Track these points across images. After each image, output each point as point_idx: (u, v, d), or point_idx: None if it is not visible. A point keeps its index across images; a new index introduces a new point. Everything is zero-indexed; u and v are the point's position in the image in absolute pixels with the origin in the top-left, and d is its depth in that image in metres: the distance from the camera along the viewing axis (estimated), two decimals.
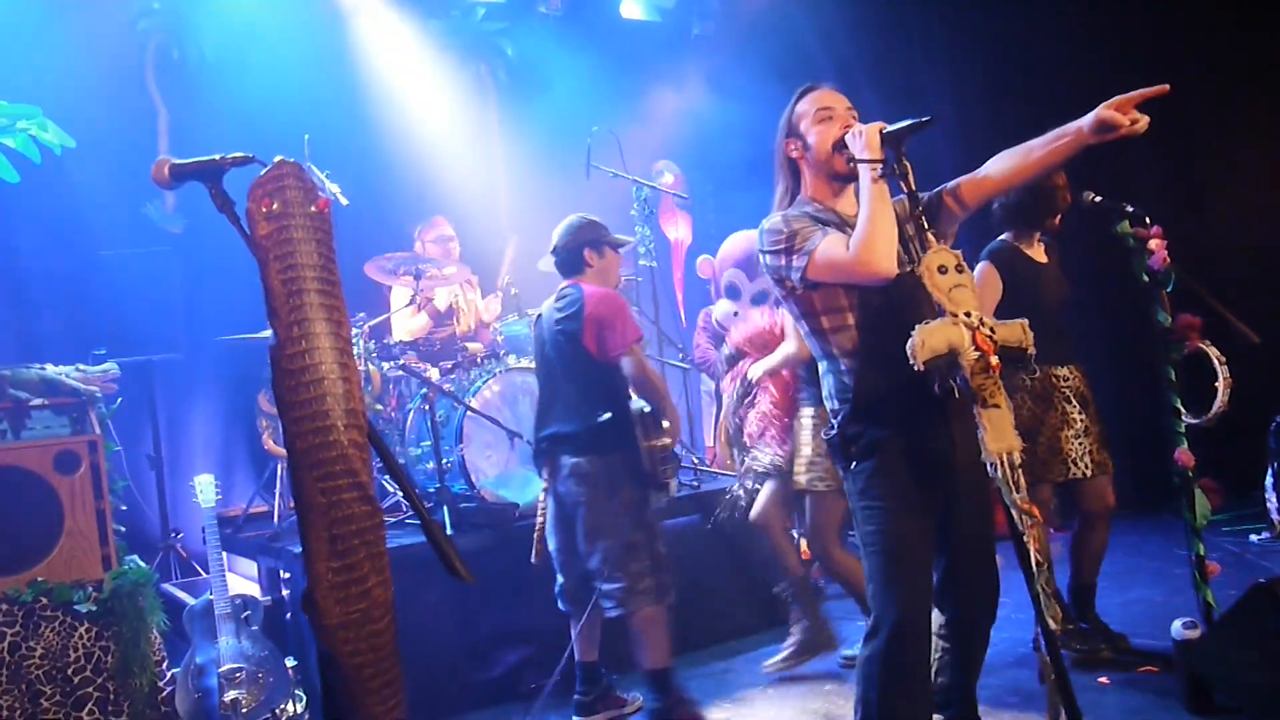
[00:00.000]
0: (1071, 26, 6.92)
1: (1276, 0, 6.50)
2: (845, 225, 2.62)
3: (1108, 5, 6.78)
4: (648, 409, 3.75)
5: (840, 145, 2.62)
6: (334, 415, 1.58)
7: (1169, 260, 3.64)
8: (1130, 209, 3.69)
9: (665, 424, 3.82)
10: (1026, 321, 2.42)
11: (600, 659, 4.02)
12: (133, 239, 5.34)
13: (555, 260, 4.01)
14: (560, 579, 3.95)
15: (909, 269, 2.63)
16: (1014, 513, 2.33)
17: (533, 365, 4.90)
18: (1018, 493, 2.32)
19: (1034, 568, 2.33)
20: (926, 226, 2.49)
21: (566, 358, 3.84)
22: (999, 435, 2.33)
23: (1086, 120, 2.45)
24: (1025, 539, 2.32)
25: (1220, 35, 6.69)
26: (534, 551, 3.97)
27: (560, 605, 3.95)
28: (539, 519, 3.95)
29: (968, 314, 2.35)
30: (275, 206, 1.62)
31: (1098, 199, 3.89)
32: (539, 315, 4.07)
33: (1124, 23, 6.83)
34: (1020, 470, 2.34)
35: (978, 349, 2.31)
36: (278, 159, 1.69)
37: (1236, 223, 6.83)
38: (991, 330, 2.35)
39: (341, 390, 1.60)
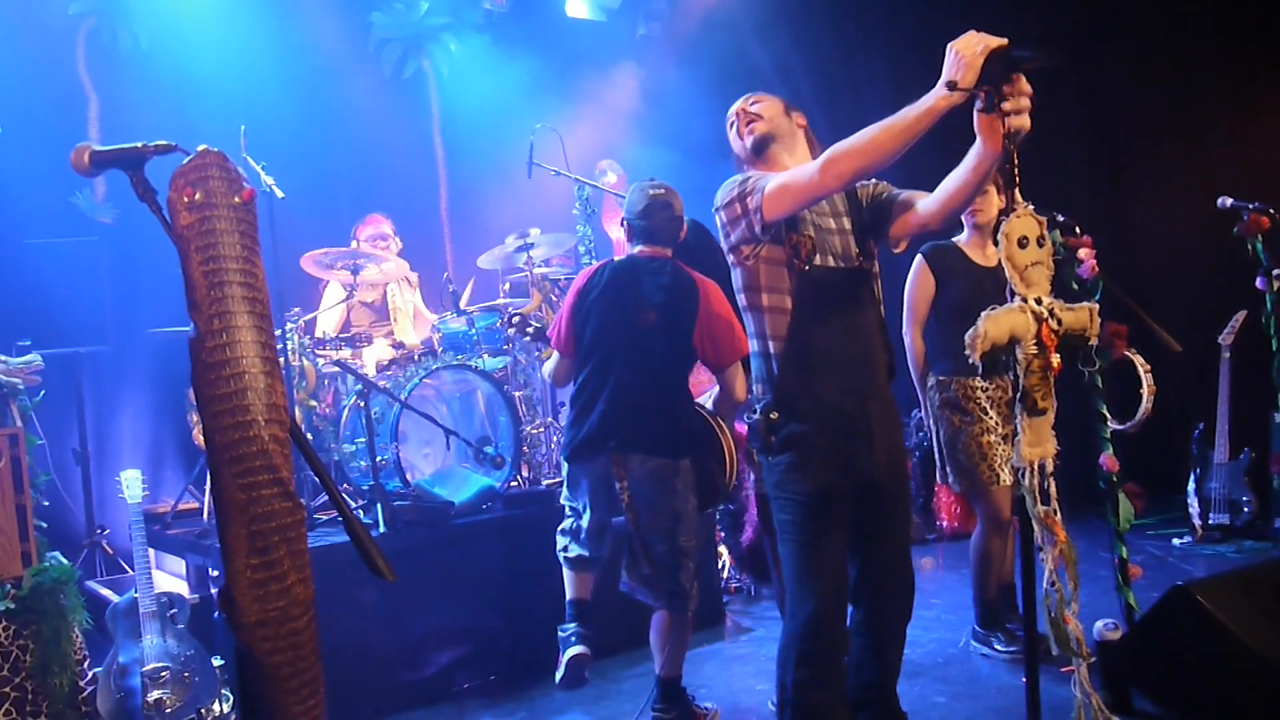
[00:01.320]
0: (1007, 29, 7.03)
1: (1202, 7, 6.66)
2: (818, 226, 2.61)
3: (1040, 8, 6.92)
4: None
5: (759, 147, 2.64)
6: (255, 410, 1.56)
7: (1098, 269, 3.71)
8: (1061, 218, 3.76)
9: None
10: (1095, 307, 2.20)
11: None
12: (61, 228, 5.21)
13: (643, 225, 3.60)
14: (624, 576, 3.63)
15: (857, 262, 2.63)
16: (1035, 526, 2.16)
17: (466, 363, 4.88)
18: (1044, 505, 2.13)
19: (1044, 585, 2.18)
20: (1006, 186, 2.15)
21: (656, 345, 3.50)
22: (1036, 440, 2.13)
23: (979, 136, 2.24)
24: (1042, 557, 2.15)
25: (1147, 42, 6.87)
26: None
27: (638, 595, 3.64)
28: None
29: (1038, 300, 2.11)
30: (198, 196, 1.59)
31: (1029, 208, 3.96)
32: (588, 285, 3.63)
33: (1054, 27, 6.98)
34: (1051, 479, 2.16)
35: (1039, 343, 2.08)
36: (201, 148, 1.66)
37: (1162, 232, 7.02)
38: (1059, 320, 2.11)
39: (263, 385, 1.57)
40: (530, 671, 4.13)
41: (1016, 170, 2.12)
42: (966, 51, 2.10)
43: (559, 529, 3.79)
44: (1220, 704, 2.87)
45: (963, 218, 4.16)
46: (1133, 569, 3.75)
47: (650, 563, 3.52)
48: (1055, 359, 2.10)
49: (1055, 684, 3.82)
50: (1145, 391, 4.00)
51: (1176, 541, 5.86)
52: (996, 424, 4.06)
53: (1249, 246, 4.22)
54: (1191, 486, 5.86)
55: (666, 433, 3.51)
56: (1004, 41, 2.09)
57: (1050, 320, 2.09)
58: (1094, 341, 2.18)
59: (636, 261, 3.62)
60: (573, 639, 3.63)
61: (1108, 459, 3.70)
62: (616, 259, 3.75)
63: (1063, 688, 3.77)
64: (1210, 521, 5.77)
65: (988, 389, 4.08)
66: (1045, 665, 3.88)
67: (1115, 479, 3.69)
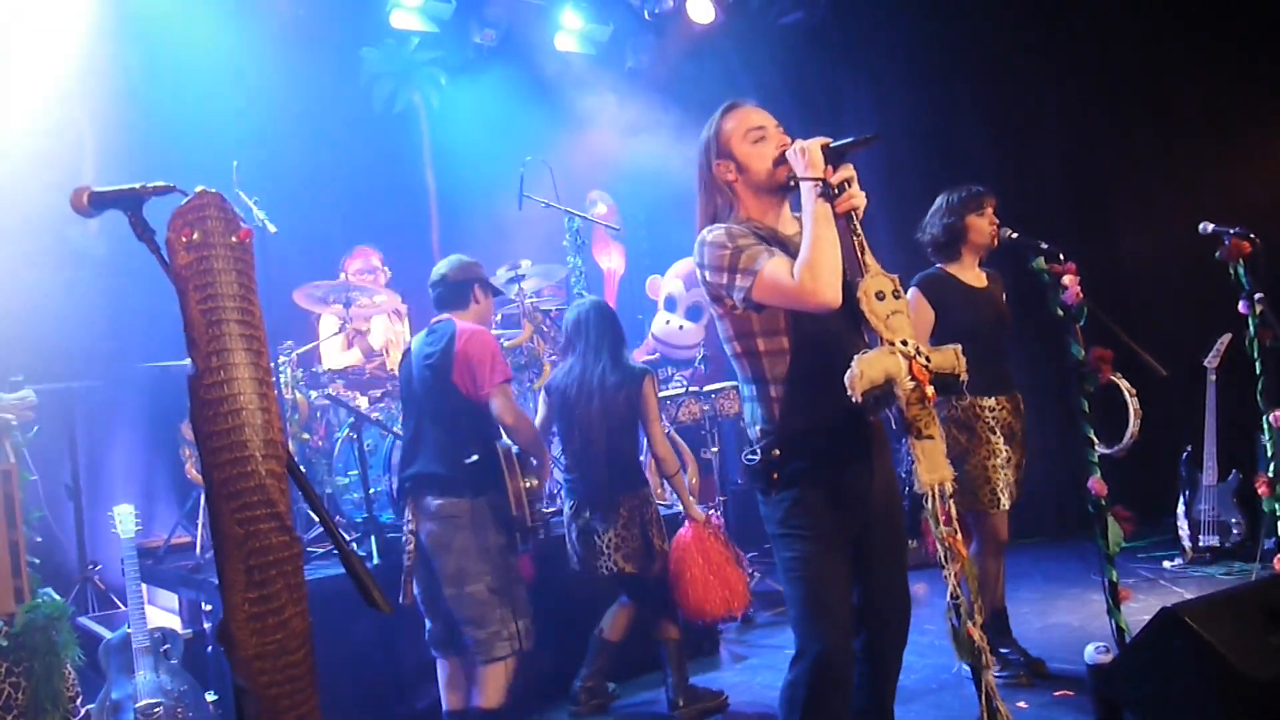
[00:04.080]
0: (992, 68, 7.15)
1: (1180, 34, 6.77)
2: (786, 246, 2.57)
3: (1023, 35, 7.03)
4: (515, 449, 3.75)
5: (780, 162, 2.58)
6: (252, 446, 1.58)
7: (1082, 295, 3.75)
8: (1045, 246, 3.80)
9: (534, 463, 3.84)
10: (959, 347, 2.42)
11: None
12: (53, 264, 5.23)
13: (436, 293, 3.91)
14: (428, 623, 3.84)
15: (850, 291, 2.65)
16: (939, 546, 2.34)
17: None
18: (946, 526, 2.32)
19: (950, 598, 2.36)
20: (864, 248, 2.45)
21: (435, 394, 3.73)
22: (932, 466, 2.32)
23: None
24: (945, 574, 2.33)
25: (1129, 68, 6.97)
26: (402, 594, 3.79)
27: (431, 650, 3.87)
28: (406, 561, 3.76)
29: (904, 342, 2.34)
30: (195, 236, 1.62)
31: (1014, 235, 4.02)
32: (406, 350, 3.97)
33: (1036, 52, 7.08)
34: (951, 501, 2.33)
35: (913, 379, 2.30)
36: (199, 189, 1.69)
37: (1145, 258, 7.09)
38: (927, 359, 2.34)
39: (260, 421, 1.60)
40: (524, 702, 4.12)
41: (861, 239, 2.47)
42: (808, 148, 2.51)
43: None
44: None
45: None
46: (1123, 592, 3.76)
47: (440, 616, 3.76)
48: (930, 390, 2.33)
49: (1046, 709, 3.86)
50: (1131, 415, 4.05)
51: (1167, 564, 5.88)
52: (1001, 448, 4.09)
53: (1231, 271, 4.27)
54: (1181, 509, 5.89)
55: (449, 476, 3.68)
56: (828, 140, 2.51)
57: (919, 357, 2.34)
58: (963, 378, 2.42)
59: (428, 330, 3.91)
60: None
61: (1096, 483, 3.72)
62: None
63: (1054, 713, 3.81)
64: (1200, 543, 5.79)
65: (994, 409, 4.12)
66: (1030, 696, 3.96)
67: (1104, 502, 3.71)
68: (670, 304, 5.24)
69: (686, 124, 6.75)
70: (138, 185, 1.75)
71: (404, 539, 3.77)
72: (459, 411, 3.71)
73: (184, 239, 1.62)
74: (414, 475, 3.74)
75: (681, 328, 5.66)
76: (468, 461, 3.65)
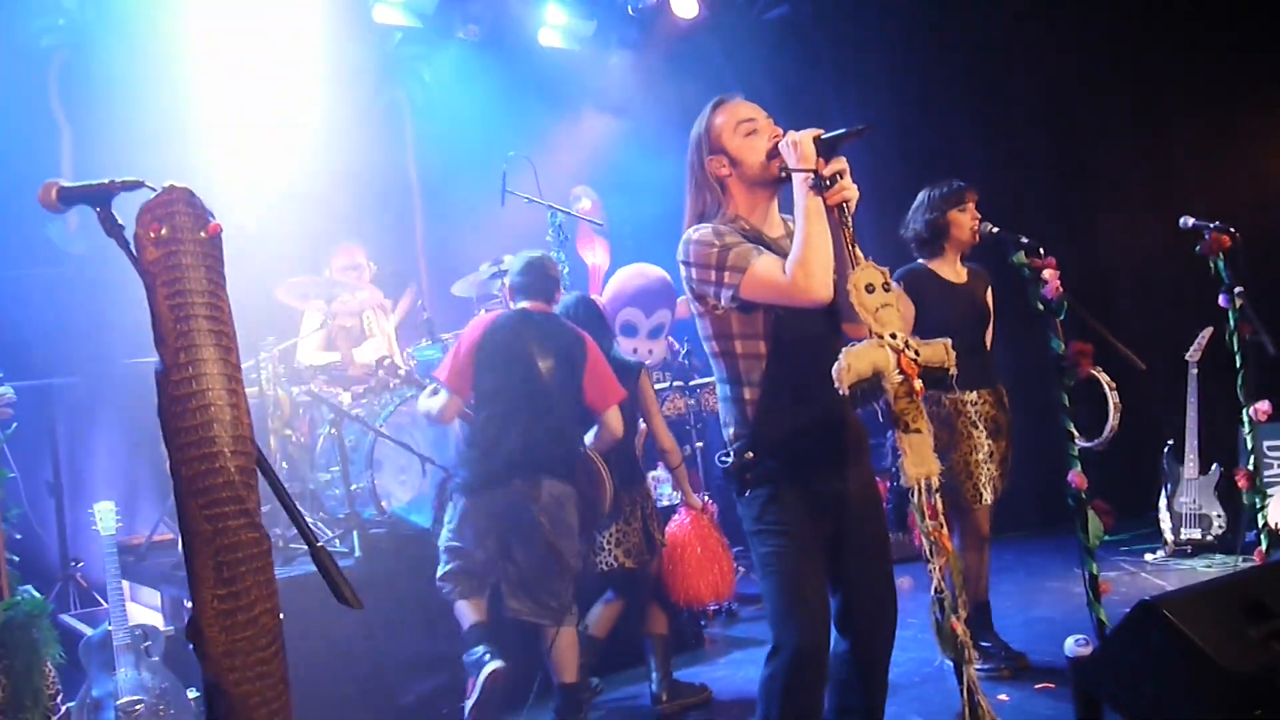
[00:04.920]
0: (976, 62, 7.16)
1: (1162, 28, 6.80)
2: (771, 248, 2.56)
3: (1005, 29, 7.04)
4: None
5: (773, 155, 2.56)
6: (220, 442, 1.57)
7: (1062, 289, 3.76)
8: (1025, 240, 3.81)
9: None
10: (949, 341, 2.41)
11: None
12: (33, 260, 5.20)
13: (525, 281, 4.07)
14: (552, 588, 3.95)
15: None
16: (924, 540, 2.33)
17: None
18: (931, 520, 2.31)
19: (934, 593, 2.35)
20: (854, 241, 2.44)
21: (563, 387, 3.95)
22: (919, 460, 2.31)
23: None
24: (930, 568, 2.33)
25: (1111, 63, 6.99)
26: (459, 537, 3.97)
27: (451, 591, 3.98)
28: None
29: (893, 335, 2.33)
30: (164, 232, 1.61)
31: (995, 230, 4.03)
32: (494, 325, 4.01)
33: (1018, 46, 7.09)
34: (938, 496, 2.33)
35: (902, 372, 2.29)
36: (168, 184, 1.68)
37: (1126, 252, 7.12)
38: (916, 352, 2.33)
39: (229, 417, 1.59)
40: (507, 700, 4.11)
41: (851, 231, 2.47)
42: (800, 140, 2.49)
43: (441, 574, 3.97)
44: (1188, 718, 2.89)
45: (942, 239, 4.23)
46: (1103, 585, 3.78)
47: (542, 584, 3.88)
48: (918, 384, 2.31)
49: (1029, 699, 3.88)
50: (1111, 409, 4.07)
51: (1149, 557, 5.92)
52: (984, 442, 4.10)
53: (1211, 265, 4.29)
54: (1163, 502, 5.92)
55: (567, 462, 3.95)
56: (819, 131, 2.50)
57: (907, 351, 2.32)
58: (953, 372, 2.41)
59: (528, 315, 4.04)
60: (486, 657, 3.76)
61: (1076, 476, 3.73)
62: (503, 313, 4.14)
63: (1035, 705, 3.83)
64: (1181, 536, 5.82)
65: (976, 403, 4.13)
66: (1012, 689, 3.97)
67: (1084, 496, 3.72)
68: (630, 330, 5.23)
69: (670, 119, 6.76)
70: (106, 180, 1.73)
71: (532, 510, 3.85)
72: (576, 410, 3.99)
73: (152, 234, 1.61)
74: (543, 453, 3.88)
75: (651, 351, 5.67)
76: (579, 456, 3.99)
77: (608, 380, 4.03)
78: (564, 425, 3.97)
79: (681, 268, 2.62)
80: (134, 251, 1.65)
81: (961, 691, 2.42)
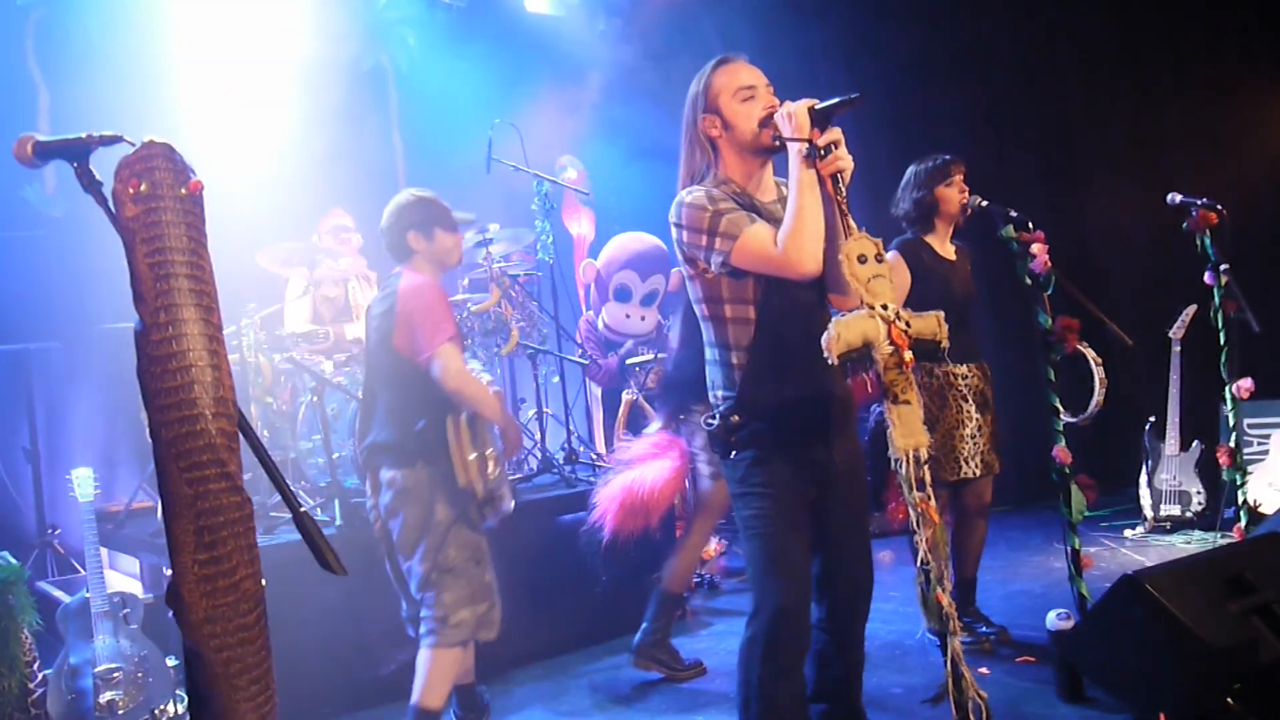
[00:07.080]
0: (964, 36, 7.13)
1: (1152, 4, 6.77)
2: (762, 214, 2.56)
3: (994, 14, 6.99)
4: (469, 416, 3.41)
5: (765, 123, 2.55)
6: (201, 403, 1.54)
7: (1050, 264, 3.76)
8: (1014, 214, 3.80)
9: (493, 430, 3.56)
10: (942, 314, 2.41)
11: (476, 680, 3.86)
12: (9, 222, 5.12)
13: (385, 244, 3.61)
14: (403, 604, 3.62)
15: None
16: (911, 512, 2.34)
17: None
18: (919, 491, 2.31)
19: (920, 565, 2.36)
20: (846, 211, 2.44)
21: (381, 358, 3.48)
22: (908, 431, 2.31)
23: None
24: (915, 539, 2.34)
25: (1098, 39, 6.97)
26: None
27: (408, 631, 3.63)
28: (377, 534, 3.56)
29: (884, 306, 2.32)
30: (143, 188, 1.57)
31: (984, 203, 4.02)
32: (368, 307, 3.65)
33: (1009, 18, 7.06)
34: (925, 467, 2.33)
35: (892, 343, 2.29)
36: (148, 138, 1.63)
37: (1113, 228, 7.13)
38: (907, 323, 2.32)
39: (210, 378, 1.55)
40: (488, 669, 4.11)
41: (844, 202, 2.46)
42: (795, 110, 2.49)
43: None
44: (1169, 691, 2.91)
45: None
46: (1085, 559, 3.81)
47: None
48: (908, 355, 2.30)
49: (1009, 675, 3.90)
50: (1097, 384, 4.07)
51: (1129, 532, 5.96)
52: (973, 414, 4.09)
53: (1197, 241, 4.29)
54: (1143, 478, 5.95)
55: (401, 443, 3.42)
56: (814, 101, 2.49)
57: (898, 322, 2.31)
58: (945, 344, 2.40)
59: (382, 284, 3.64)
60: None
61: (1060, 451, 3.74)
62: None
63: (1016, 678, 3.85)
64: (1161, 512, 5.86)
65: (967, 376, 4.13)
66: (992, 662, 3.99)
67: (1068, 471, 3.74)
68: (624, 294, 5.16)
69: (659, 88, 6.69)
70: (84, 134, 1.69)
71: (368, 512, 3.59)
72: (406, 375, 3.39)
73: (131, 190, 1.56)
74: (368, 445, 3.49)
75: (643, 318, 5.63)
76: (416, 429, 3.37)
77: (419, 325, 3.35)
78: (392, 399, 3.48)
79: (673, 229, 2.61)
80: (112, 208, 1.60)
81: (945, 663, 2.43)
